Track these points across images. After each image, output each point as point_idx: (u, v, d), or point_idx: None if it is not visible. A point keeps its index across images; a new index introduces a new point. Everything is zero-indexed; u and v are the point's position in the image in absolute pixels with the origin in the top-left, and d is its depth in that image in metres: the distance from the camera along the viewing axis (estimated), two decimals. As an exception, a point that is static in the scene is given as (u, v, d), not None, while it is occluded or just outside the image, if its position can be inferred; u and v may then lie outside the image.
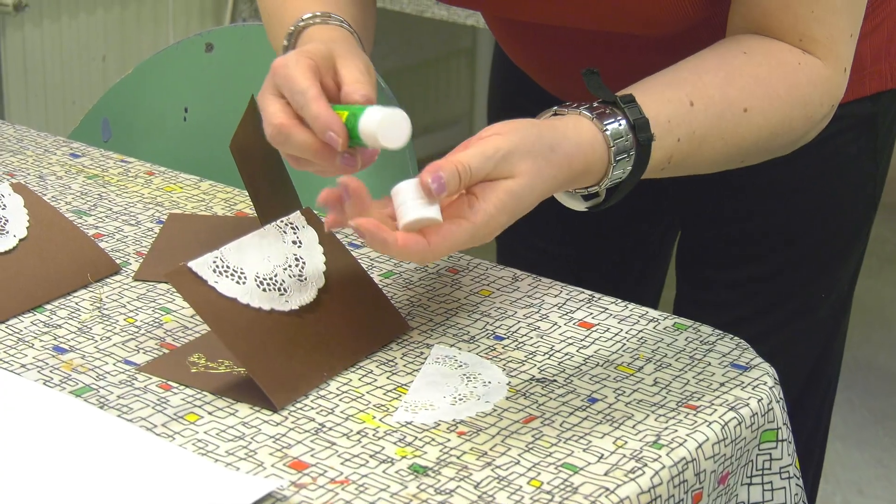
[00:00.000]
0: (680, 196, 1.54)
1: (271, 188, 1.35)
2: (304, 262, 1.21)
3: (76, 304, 1.28)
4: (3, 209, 1.32)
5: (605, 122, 1.13)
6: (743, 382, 1.18)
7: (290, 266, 1.20)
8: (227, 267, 1.15)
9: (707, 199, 1.51)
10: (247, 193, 1.52)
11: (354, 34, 1.28)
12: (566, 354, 1.21)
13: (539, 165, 1.08)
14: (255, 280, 1.17)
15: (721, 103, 1.19)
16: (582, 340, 1.24)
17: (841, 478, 2.84)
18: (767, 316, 1.51)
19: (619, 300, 1.31)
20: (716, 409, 1.13)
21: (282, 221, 1.23)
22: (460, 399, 1.14)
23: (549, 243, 1.64)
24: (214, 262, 1.15)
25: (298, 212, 1.25)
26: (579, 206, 1.19)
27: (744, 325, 1.33)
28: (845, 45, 1.24)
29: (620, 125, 1.13)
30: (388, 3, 3.24)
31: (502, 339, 1.24)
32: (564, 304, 1.30)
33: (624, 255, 1.65)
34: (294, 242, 1.22)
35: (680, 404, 1.14)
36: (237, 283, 1.15)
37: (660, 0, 1.26)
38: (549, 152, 1.10)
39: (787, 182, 1.46)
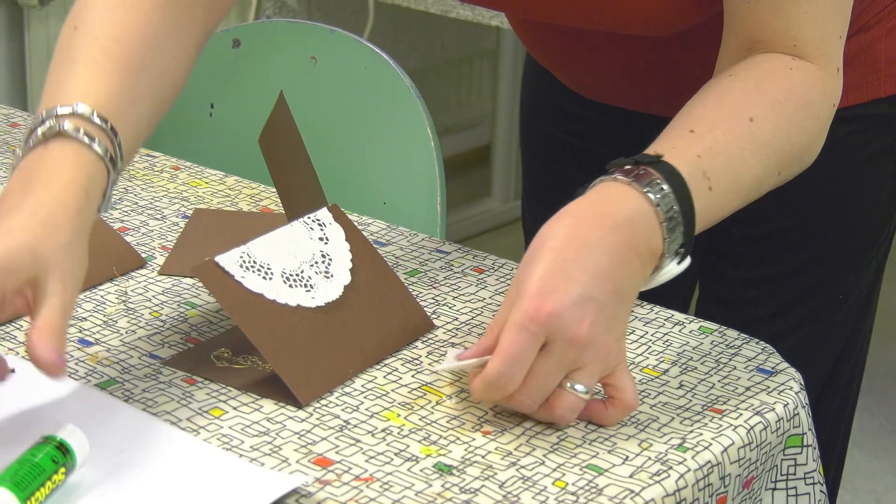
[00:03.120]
0: None
1: (298, 184, 1.35)
2: (330, 259, 1.21)
3: (101, 297, 1.28)
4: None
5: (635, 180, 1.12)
6: (769, 387, 1.17)
7: (316, 262, 1.20)
8: (254, 262, 1.15)
9: None
10: (272, 189, 1.52)
11: (107, 155, 1.09)
12: (591, 356, 1.21)
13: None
14: (282, 276, 1.16)
15: (725, 122, 1.17)
16: (607, 342, 1.23)
17: (859, 486, 2.84)
18: (785, 317, 1.51)
19: (645, 302, 1.31)
20: (741, 414, 1.13)
21: (309, 218, 1.22)
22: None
23: None
24: (241, 257, 1.15)
25: (325, 208, 1.24)
26: (673, 269, 1.15)
27: (761, 325, 1.32)
28: (835, 47, 1.24)
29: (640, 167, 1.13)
30: (412, 3, 3.24)
31: (527, 339, 1.23)
32: (590, 305, 1.30)
33: None
34: (321, 239, 1.22)
35: (705, 408, 1.14)
36: (264, 278, 1.15)
37: (661, 4, 1.27)
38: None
39: (805, 182, 1.46)
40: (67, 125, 1.08)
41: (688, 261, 1.15)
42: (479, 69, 4.11)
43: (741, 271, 1.53)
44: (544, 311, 1.05)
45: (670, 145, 1.15)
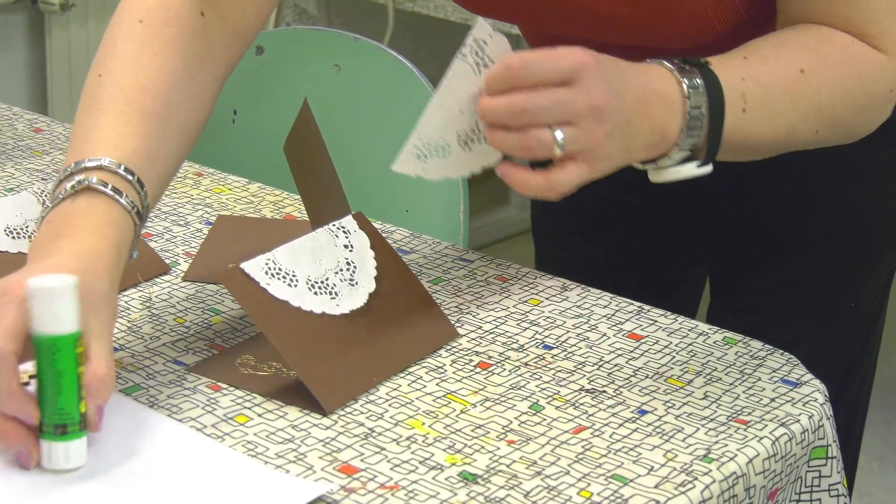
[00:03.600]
0: (718, 202, 1.53)
1: (323, 191, 1.35)
2: (355, 267, 1.21)
3: (126, 303, 1.28)
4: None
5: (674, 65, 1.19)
6: (793, 398, 1.17)
7: (341, 270, 1.20)
8: (279, 269, 1.15)
9: (742, 203, 1.51)
10: (296, 196, 1.53)
11: (134, 209, 1.12)
12: (615, 366, 1.21)
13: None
14: (307, 283, 1.16)
15: (777, 63, 1.22)
16: (631, 352, 1.23)
17: (878, 499, 2.83)
18: (797, 325, 1.50)
19: (669, 312, 1.31)
20: (766, 425, 1.13)
21: (334, 225, 1.23)
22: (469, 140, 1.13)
23: (587, 244, 1.64)
24: (267, 264, 1.15)
25: (350, 216, 1.24)
26: (690, 170, 1.20)
27: (772, 333, 1.32)
28: None
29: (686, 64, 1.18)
30: (432, 11, 3.24)
31: (551, 348, 1.23)
32: (613, 314, 1.30)
33: (662, 262, 1.65)
34: (346, 246, 1.22)
35: (730, 419, 1.13)
36: (289, 285, 1.15)
37: (683, 16, 1.28)
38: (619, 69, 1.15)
39: (819, 190, 1.46)
40: (95, 180, 1.10)
41: (709, 167, 1.19)
42: (497, 77, 4.10)
43: (753, 279, 1.53)
44: (590, 60, 1.11)
45: (721, 61, 1.20)
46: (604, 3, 1.30)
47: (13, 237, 1.27)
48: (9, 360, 0.99)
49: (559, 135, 1.11)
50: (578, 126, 1.11)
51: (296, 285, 1.16)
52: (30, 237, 1.28)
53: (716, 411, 1.15)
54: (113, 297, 1.07)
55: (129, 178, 1.12)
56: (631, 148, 1.16)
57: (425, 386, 1.16)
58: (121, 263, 1.10)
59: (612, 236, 1.62)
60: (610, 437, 1.10)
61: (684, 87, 1.16)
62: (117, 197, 1.10)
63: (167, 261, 1.36)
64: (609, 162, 1.14)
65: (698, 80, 1.17)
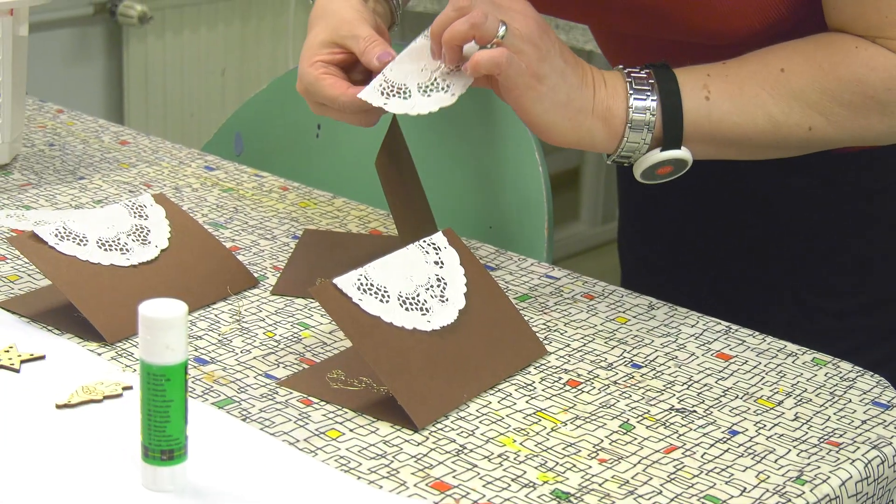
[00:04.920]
0: (795, 228, 1.53)
1: (412, 207, 1.36)
2: (445, 283, 1.21)
3: (216, 315, 1.29)
4: (145, 219, 1.34)
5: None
6: (885, 421, 1.16)
7: (432, 286, 1.20)
8: (371, 285, 1.16)
9: (819, 229, 1.50)
10: (381, 211, 1.53)
11: None
12: (705, 385, 1.21)
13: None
14: (398, 299, 1.17)
15: (755, 63, 1.30)
16: (720, 372, 1.23)
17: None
18: (873, 349, 1.49)
19: (757, 332, 1.30)
20: (858, 447, 1.12)
21: (424, 241, 1.23)
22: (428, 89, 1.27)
23: (670, 263, 1.65)
24: (359, 279, 1.16)
25: (441, 232, 1.25)
26: (656, 155, 1.30)
27: (850, 358, 1.31)
28: None
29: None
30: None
31: (640, 367, 1.23)
32: (702, 334, 1.30)
33: (750, 283, 1.64)
34: (436, 263, 1.22)
35: (822, 440, 1.13)
36: (381, 301, 1.16)
37: (721, 11, 1.32)
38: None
39: (889, 210, 1.47)
40: None
41: (681, 152, 1.30)
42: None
43: (828, 302, 1.52)
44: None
45: (692, 65, 1.31)
46: None
47: (105, 249, 1.28)
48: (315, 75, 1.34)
49: (502, 27, 1.25)
50: (517, 29, 1.25)
51: (387, 301, 1.16)
52: (121, 250, 1.29)
53: (807, 433, 1.14)
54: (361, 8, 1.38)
55: None
56: (572, 96, 1.27)
57: (515, 403, 1.16)
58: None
59: (698, 257, 1.62)
60: (702, 457, 1.10)
61: (624, 75, 1.30)
62: None
63: (255, 274, 1.37)
64: (549, 87, 1.26)
65: (645, 73, 1.30)
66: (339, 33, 1.35)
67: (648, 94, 1.29)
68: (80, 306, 1.23)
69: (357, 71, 1.36)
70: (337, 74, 1.35)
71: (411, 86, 1.29)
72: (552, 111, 1.27)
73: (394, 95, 1.28)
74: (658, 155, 1.30)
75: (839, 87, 1.28)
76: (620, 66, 1.32)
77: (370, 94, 1.29)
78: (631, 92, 1.29)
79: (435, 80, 1.29)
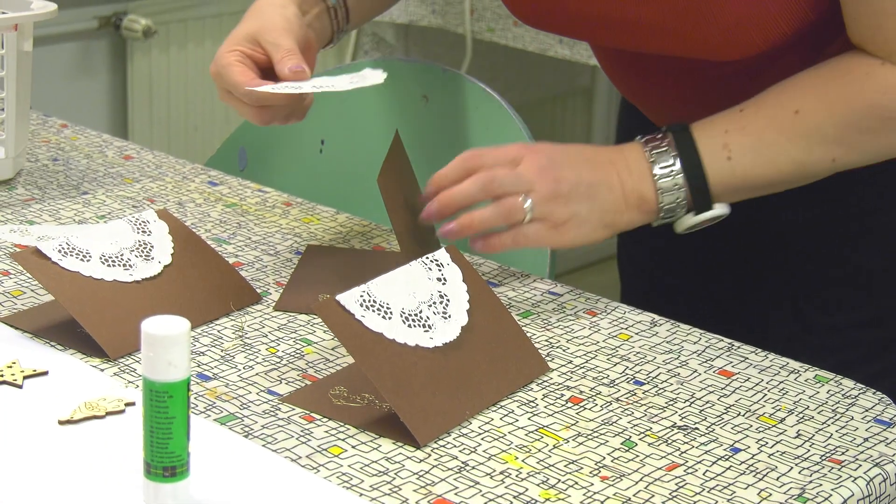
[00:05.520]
0: (802, 238, 1.53)
1: (414, 224, 1.36)
2: (448, 300, 1.21)
3: (218, 331, 1.29)
4: (148, 235, 1.34)
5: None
6: (887, 438, 1.16)
7: (434, 303, 1.20)
8: (374, 301, 1.16)
9: (826, 239, 1.50)
10: (384, 227, 1.53)
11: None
12: (707, 402, 1.21)
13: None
14: (401, 316, 1.17)
15: (771, 107, 1.34)
16: (722, 389, 1.23)
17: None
18: (871, 364, 1.49)
19: (759, 349, 1.30)
20: (860, 465, 1.12)
21: (427, 258, 1.23)
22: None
23: (669, 276, 1.65)
24: (361, 296, 1.16)
25: (443, 249, 1.25)
26: (689, 219, 1.37)
27: (847, 372, 1.32)
28: None
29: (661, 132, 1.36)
30: (510, 41, 3.25)
31: (642, 384, 1.23)
32: (704, 351, 1.30)
33: (747, 298, 1.65)
34: (439, 279, 1.22)
35: (824, 458, 1.13)
36: (383, 317, 1.16)
37: (723, 27, 1.33)
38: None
39: (891, 225, 1.47)
40: None
41: (717, 211, 1.36)
42: (572, 107, 4.11)
43: (827, 317, 1.53)
44: (529, 146, 1.37)
45: (709, 119, 1.36)
46: (646, 14, 1.36)
47: (108, 265, 1.29)
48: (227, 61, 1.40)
49: (527, 202, 1.32)
50: (537, 192, 1.32)
51: (390, 318, 1.16)
52: (124, 266, 1.29)
53: (809, 450, 1.14)
54: (288, 13, 1.43)
55: None
56: (605, 209, 1.34)
57: (517, 420, 1.16)
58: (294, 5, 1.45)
59: (698, 270, 1.62)
60: (704, 474, 1.10)
61: (646, 153, 1.34)
62: None
63: (258, 290, 1.37)
64: (579, 221, 1.33)
65: (666, 145, 1.34)
66: (263, 35, 1.41)
67: (671, 164, 1.33)
68: (83, 322, 1.23)
69: (270, 76, 1.42)
70: (249, 67, 1.41)
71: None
72: (586, 235, 1.35)
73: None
74: (693, 219, 1.37)
75: (856, 116, 1.31)
76: (639, 137, 1.37)
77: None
78: (652, 160, 1.34)
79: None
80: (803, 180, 1.37)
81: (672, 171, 1.34)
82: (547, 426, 1.16)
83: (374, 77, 1.39)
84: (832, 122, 1.32)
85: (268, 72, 1.41)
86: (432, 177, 1.34)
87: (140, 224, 1.34)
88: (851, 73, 1.32)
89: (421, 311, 1.19)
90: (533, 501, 1.05)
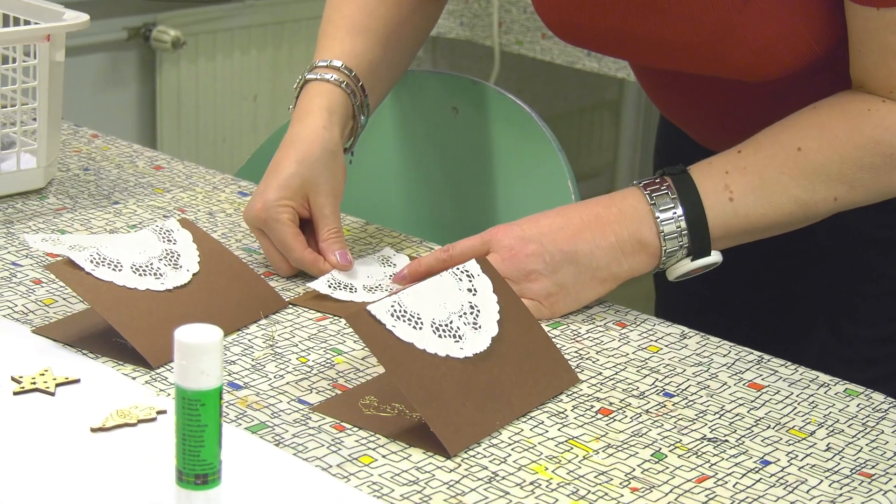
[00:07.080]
0: (832, 254, 1.53)
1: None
2: (478, 310, 1.22)
3: (249, 340, 1.30)
4: (174, 244, 1.34)
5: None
6: (917, 452, 1.16)
7: (465, 313, 1.21)
8: (405, 312, 1.16)
9: (857, 255, 1.50)
10: (414, 238, 1.54)
11: (356, 88, 1.50)
12: (737, 415, 1.21)
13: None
14: (432, 326, 1.17)
15: (771, 146, 1.32)
16: (752, 401, 1.23)
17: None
18: None
19: (789, 362, 1.30)
20: (891, 478, 1.12)
21: (458, 269, 1.23)
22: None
23: (707, 289, 1.65)
24: (392, 306, 1.16)
25: (474, 260, 1.25)
26: (686, 264, 1.36)
27: (884, 386, 1.31)
28: None
29: (661, 176, 1.35)
30: (538, 53, 3.26)
31: (672, 395, 1.23)
32: (734, 363, 1.30)
33: (781, 311, 1.64)
34: (469, 290, 1.23)
35: (854, 471, 1.13)
36: (414, 328, 1.16)
37: (754, 48, 1.33)
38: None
39: None
40: (318, 72, 1.50)
41: (712, 258, 1.35)
42: (600, 120, 4.11)
43: (864, 329, 1.52)
44: (494, 229, 1.36)
45: (708, 161, 1.35)
46: (676, 33, 1.36)
47: (140, 274, 1.29)
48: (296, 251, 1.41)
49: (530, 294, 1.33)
50: (508, 277, 1.31)
51: (421, 328, 1.17)
52: (155, 275, 1.30)
53: (839, 463, 1.14)
54: (328, 160, 1.44)
55: (346, 71, 1.49)
56: (596, 266, 1.34)
57: (547, 431, 1.17)
58: (335, 126, 1.46)
59: (737, 284, 1.62)
60: (734, 486, 1.10)
61: (647, 196, 1.33)
62: (332, 79, 1.48)
63: (287, 299, 1.38)
64: (568, 289, 1.35)
65: (665, 187, 1.33)
66: (313, 197, 1.43)
67: (671, 206, 1.32)
68: (123, 332, 1.24)
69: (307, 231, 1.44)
70: (296, 223, 1.42)
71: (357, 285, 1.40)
72: (582, 298, 1.36)
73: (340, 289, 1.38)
74: (690, 264, 1.36)
75: (858, 153, 1.30)
76: (635, 182, 1.36)
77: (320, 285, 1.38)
78: (652, 203, 1.33)
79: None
80: (804, 221, 1.35)
81: (675, 214, 1.32)
82: (577, 437, 1.16)
83: (400, 260, 1.47)
84: (835, 158, 1.31)
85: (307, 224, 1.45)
86: (409, 264, 1.40)
87: (165, 233, 1.35)
88: (852, 110, 1.32)
89: (451, 322, 1.19)
90: (563, 512, 1.05)
